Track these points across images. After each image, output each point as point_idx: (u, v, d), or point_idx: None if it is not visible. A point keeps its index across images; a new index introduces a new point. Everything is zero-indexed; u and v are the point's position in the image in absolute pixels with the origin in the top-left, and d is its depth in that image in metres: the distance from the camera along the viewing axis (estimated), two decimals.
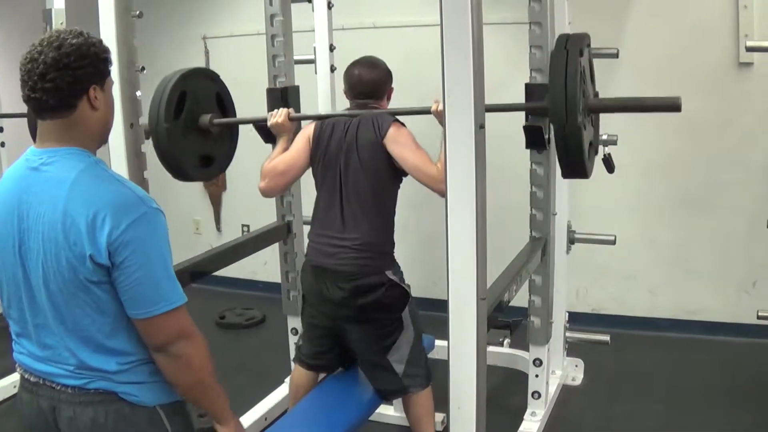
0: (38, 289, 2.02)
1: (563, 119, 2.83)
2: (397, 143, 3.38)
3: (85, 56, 2.00)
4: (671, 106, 2.95)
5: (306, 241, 3.63)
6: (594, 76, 3.24)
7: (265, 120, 3.63)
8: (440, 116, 3.21)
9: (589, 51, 3.16)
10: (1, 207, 2.06)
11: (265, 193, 3.60)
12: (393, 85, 3.70)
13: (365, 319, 3.44)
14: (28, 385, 2.15)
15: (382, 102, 3.62)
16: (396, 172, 3.44)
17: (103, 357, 2.03)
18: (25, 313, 2.08)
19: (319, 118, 3.62)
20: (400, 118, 3.49)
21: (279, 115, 3.59)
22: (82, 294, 1.97)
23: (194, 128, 3.60)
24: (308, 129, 3.58)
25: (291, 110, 3.68)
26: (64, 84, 1.97)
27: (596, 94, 3.26)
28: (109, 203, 1.93)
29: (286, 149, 3.59)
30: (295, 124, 3.66)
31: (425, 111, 3.31)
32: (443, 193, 3.24)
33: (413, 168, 3.35)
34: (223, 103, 3.80)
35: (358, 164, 3.41)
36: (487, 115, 2.58)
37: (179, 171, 3.55)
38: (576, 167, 3.00)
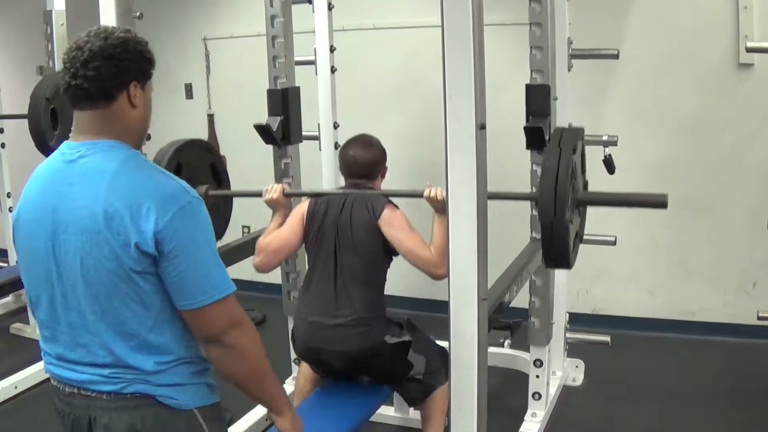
0: (74, 284, 1.98)
1: (551, 216, 2.87)
2: (392, 226, 3.43)
3: (131, 51, 2.01)
4: (658, 203, 3.01)
5: (308, 203, 3.61)
6: (585, 167, 3.27)
7: (260, 193, 3.64)
8: (433, 201, 3.30)
9: (582, 144, 3.20)
10: (34, 204, 2.04)
11: (259, 269, 3.64)
12: (387, 165, 3.74)
13: (373, 375, 3.56)
14: (63, 397, 2.10)
15: (376, 182, 3.66)
16: (389, 252, 3.49)
17: (141, 355, 1.99)
18: (57, 311, 2.03)
19: (314, 195, 3.66)
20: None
21: (273, 191, 3.61)
22: (125, 285, 1.94)
23: None
24: (302, 206, 3.62)
25: (286, 186, 3.74)
26: (108, 74, 1.96)
27: (586, 184, 3.31)
28: (153, 193, 1.92)
29: (281, 224, 3.61)
30: (290, 199, 3.70)
31: (417, 194, 3.37)
32: (437, 277, 3.31)
33: (408, 251, 3.41)
34: (218, 173, 3.84)
35: (353, 243, 3.45)
36: (488, 115, 2.57)
37: None
38: (560, 260, 3.05)
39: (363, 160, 3.60)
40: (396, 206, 3.52)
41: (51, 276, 2.01)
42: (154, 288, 1.96)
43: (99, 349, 2.00)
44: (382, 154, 3.69)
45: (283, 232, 3.58)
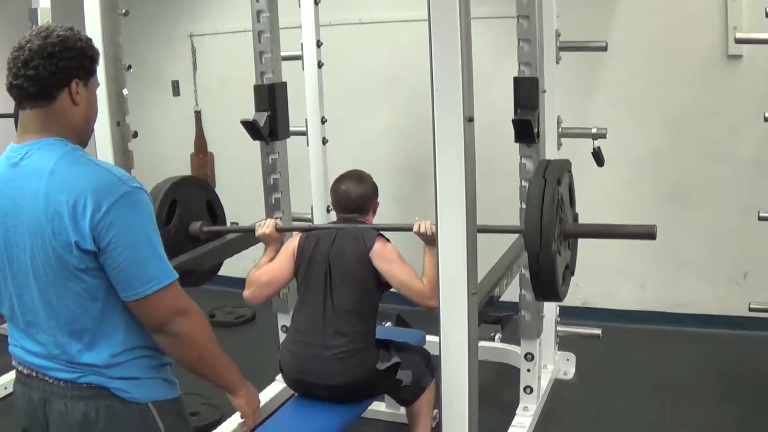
0: (27, 285, 2.01)
1: (537, 247, 2.87)
2: (384, 259, 3.43)
3: (71, 48, 2.00)
4: (646, 234, 3.02)
5: (298, 238, 3.61)
6: (574, 200, 3.27)
7: (254, 229, 3.67)
8: (422, 236, 3.32)
9: (570, 177, 3.20)
10: None
11: (250, 301, 3.65)
12: (378, 201, 3.74)
13: (364, 396, 3.56)
14: (21, 377, 2.14)
15: (367, 216, 3.66)
16: (380, 285, 3.48)
17: (94, 352, 2.01)
18: (15, 310, 2.08)
19: (305, 230, 3.67)
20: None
21: (266, 226, 3.64)
22: (72, 283, 1.96)
23: (184, 235, 3.68)
24: (293, 241, 3.62)
25: (278, 221, 3.75)
26: (46, 72, 1.97)
27: (576, 217, 3.31)
28: (88, 187, 1.91)
29: (272, 258, 3.63)
30: (282, 234, 3.71)
31: (407, 228, 3.39)
32: (430, 308, 3.30)
33: (400, 284, 3.42)
34: (214, 211, 3.88)
35: (344, 275, 3.44)
36: (476, 108, 2.56)
37: None
38: (549, 292, 3.05)
39: (354, 195, 3.61)
40: (387, 239, 3.53)
41: (7, 277, 2.05)
42: (101, 282, 1.97)
43: (54, 348, 2.03)
44: (373, 189, 3.69)
45: (273, 266, 3.60)
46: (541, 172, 3.01)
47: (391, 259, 3.43)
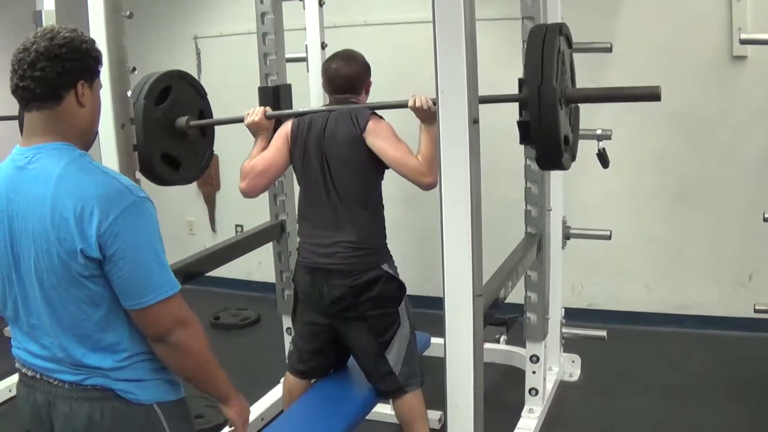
0: (32, 289, 2.01)
1: (537, 83, 2.76)
2: (377, 136, 3.35)
3: (77, 50, 2.01)
4: (650, 95, 2.91)
5: (290, 123, 3.57)
6: (573, 69, 3.21)
7: (242, 119, 3.56)
8: (418, 111, 3.22)
9: (570, 41, 3.13)
10: None
11: (246, 193, 3.54)
12: (371, 79, 3.66)
13: (363, 316, 3.42)
14: (25, 379, 2.15)
15: (360, 96, 3.58)
16: (377, 166, 3.41)
17: (98, 355, 2.02)
18: (20, 313, 2.08)
19: (296, 115, 3.57)
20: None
21: (255, 114, 3.52)
22: (75, 289, 1.96)
23: (170, 127, 3.45)
24: (285, 127, 3.54)
25: (267, 108, 3.61)
26: (53, 74, 1.97)
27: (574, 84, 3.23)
28: (95, 195, 1.92)
29: (264, 148, 3.54)
30: (272, 122, 3.60)
31: (402, 105, 3.26)
32: (425, 185, 3.24)
33: (393, 160, 3.33)
34: (203, 117, 3.66)
35: (339, 159, 3.38)
36: (481, 110, 2.56)
37: (145, 162, 3.32)
38: (552, 151, 2.91)
39: (346, 73, 3.52)
40: (381, 117, 3.45)
41: (12, 280, 2.05)
42: (104, 290, 1.98)
43: (59, 351, 2.04)
44: (366, 67, 3.61)
45: (267, 154, 3.51)
46: (542, 26, 2.94)
47: (384, 136, 3.35)
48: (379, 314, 3.42)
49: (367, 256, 3.38)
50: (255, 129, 3.55)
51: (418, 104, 3.21)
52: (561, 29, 2.94)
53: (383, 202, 3.51)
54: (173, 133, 3.45)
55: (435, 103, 2.63)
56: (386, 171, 3.50)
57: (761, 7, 4.87)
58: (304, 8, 4.44)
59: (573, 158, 3.16)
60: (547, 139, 2.86)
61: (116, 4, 2.98)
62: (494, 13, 4.93)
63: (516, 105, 3.71)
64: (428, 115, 3.17)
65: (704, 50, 5.08)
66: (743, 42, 4.46)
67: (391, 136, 3.36)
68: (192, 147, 3.56)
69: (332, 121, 3.41)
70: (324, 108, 3.57)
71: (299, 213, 3.58)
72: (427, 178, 3.23)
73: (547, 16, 3.81)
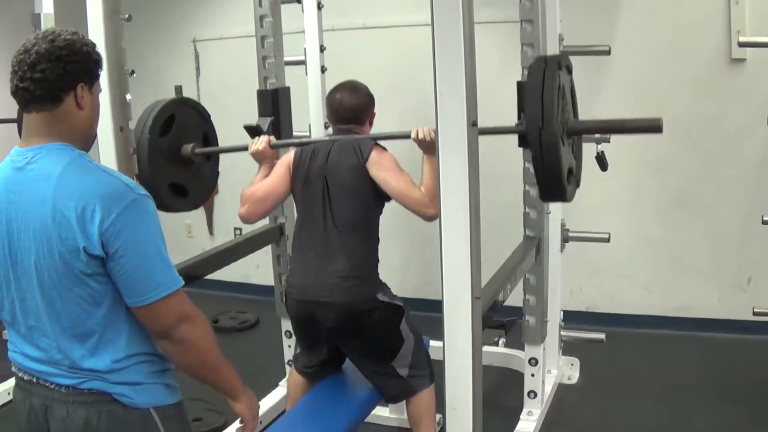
0: (30, 289, 2.01)
1: (539, 126, 2.75)
2: (380, 167, 3.38)
3: (77, 52, 2.02)
4: (652, 127, 2.94)
5: (293, 152, 3.57)
6: (575, 101, 3.20)
7: (247, 148, 3.59)
8: (420, 143, 3.25)
9: (570, 74, 3.13)
10: None
11: (245, 219, 3.56)
12: (375, 110, 3.68)
13: (364, 342, 3.45)
14: (21, 383, 2.15)
15: (364, 127, 3.60)
16: (379, 197, 3.43)
17: (97, 356, 2.02)
18: (17, 315, 2.08)
19: (300, 144, 3.61)
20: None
21: (260, 143, 3.56)
22: (77, 288, 1.97)
23: (176, 156, 3.50)
24: (288, 155, 3.57)
25: (272, 137, 3.65)
26: (54, 75, 1.98)
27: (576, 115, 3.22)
28: (97, 194, 1.93)
29: (266, 176, 3.57)
30: (276, 151, 3.65)
31: (405, 136, 3.30)
32: (428, 217, 3.27)
33: (397, 192, 3.36)
34: (209, 144, 3.72)
35: (340, 187, 3.40)
36: (480, 112, 2.56)
37: (153, 194, 3.40)
38: (554, 184, 2.87)
39: (350, 104, 3.54)
40: (384, 148, 3.46)
41: (10, 281, 2.06)
42: (107, 288, 1.99)
43: (56, 353, 2.04)
44: (369, 98, 3.62)
45: (268, 181, 3.53)
46: (541, 60, 2.94)
47: (387, 167, 3.37)
48: (380, 339, 3.45)
49: (361, 287, 3.37)
50: (259, 158, 3.59)
51: (420, 136, 3.26)
52: (560, 63, 2.94)
53: (379, 235, 3.52)
54: (179, 161, 3.52)
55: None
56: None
57: (760, 10, 4.87)
58: (302, 11, 4.44)
59: (577, 185, 3.17)
60: (549, 177, 2.87)
61: (115, 6, 2.99)
62: (493, 15, 4.93)
63: (515, 107, 3.73)
64: (431, 147, 3.19)
65: (703, 53, 5.08)
66: (742, 45, 4.47)
67: (394, 168, 3.39)
68: (198, 173, 3.63)
69: (335, 151, 3.43)
70: (327, 138, 3.61)
71: (295, 237, 3.59)
72: (430, 210, 3.25)
73: (546, 19, 3.80)
